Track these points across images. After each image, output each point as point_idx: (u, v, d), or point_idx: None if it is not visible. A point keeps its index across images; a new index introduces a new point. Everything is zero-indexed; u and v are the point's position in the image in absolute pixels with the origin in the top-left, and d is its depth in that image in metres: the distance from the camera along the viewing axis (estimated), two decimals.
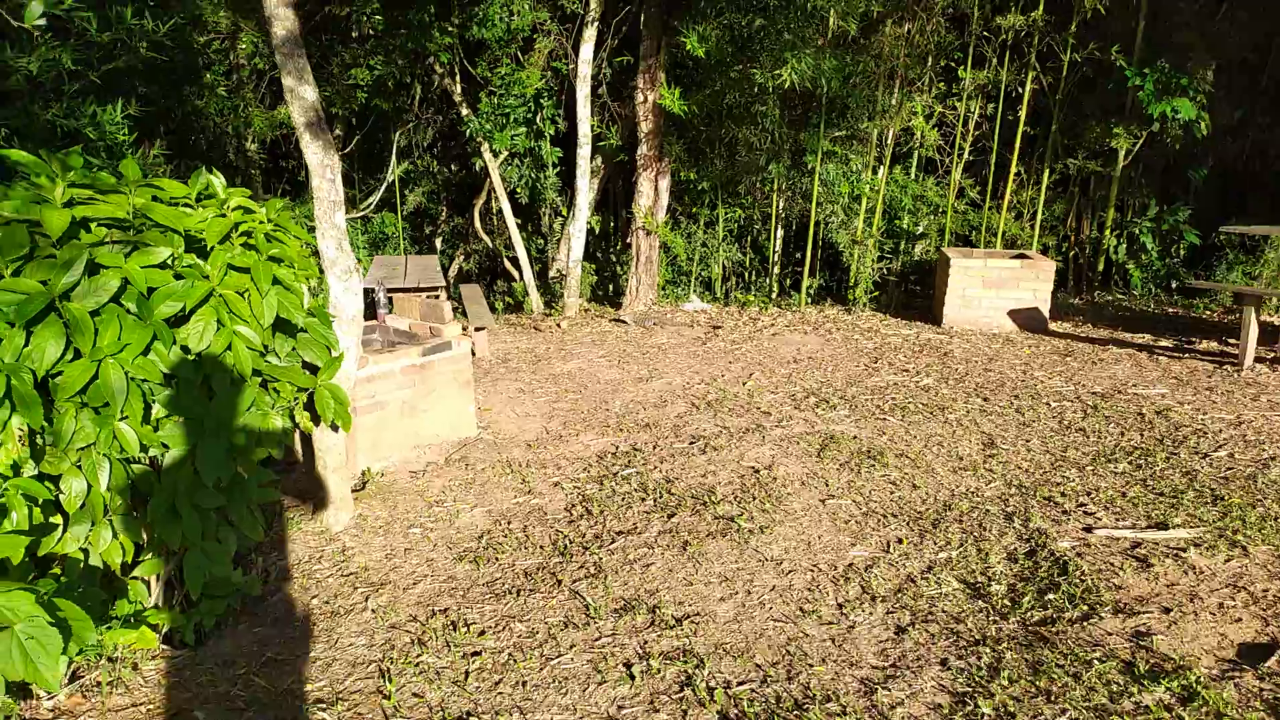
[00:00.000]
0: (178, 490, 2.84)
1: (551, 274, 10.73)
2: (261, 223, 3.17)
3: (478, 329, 7.62)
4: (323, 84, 9.65)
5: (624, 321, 8.60)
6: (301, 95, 3.53)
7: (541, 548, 3.77)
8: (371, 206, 11.36)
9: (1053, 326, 7.72)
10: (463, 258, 12.77)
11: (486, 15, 8.22)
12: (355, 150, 11.58)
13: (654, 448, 4.97)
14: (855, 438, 4.96)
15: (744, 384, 6.30)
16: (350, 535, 3.93)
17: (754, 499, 4.13)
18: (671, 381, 6.45)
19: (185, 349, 2.78)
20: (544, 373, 6.94)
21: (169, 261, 2.79)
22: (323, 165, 3.60)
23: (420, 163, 11.78)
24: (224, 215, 2.97)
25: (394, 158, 10.99)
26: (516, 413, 5.83)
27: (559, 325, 8.82)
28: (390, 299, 5.42)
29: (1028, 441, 4.84)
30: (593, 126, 8.96)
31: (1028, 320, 7.55)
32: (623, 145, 9.70)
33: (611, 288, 11.14)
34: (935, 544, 3.60)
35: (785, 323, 8.30)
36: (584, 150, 8.81)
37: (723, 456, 4.74)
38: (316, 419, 3.50)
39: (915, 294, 9.10)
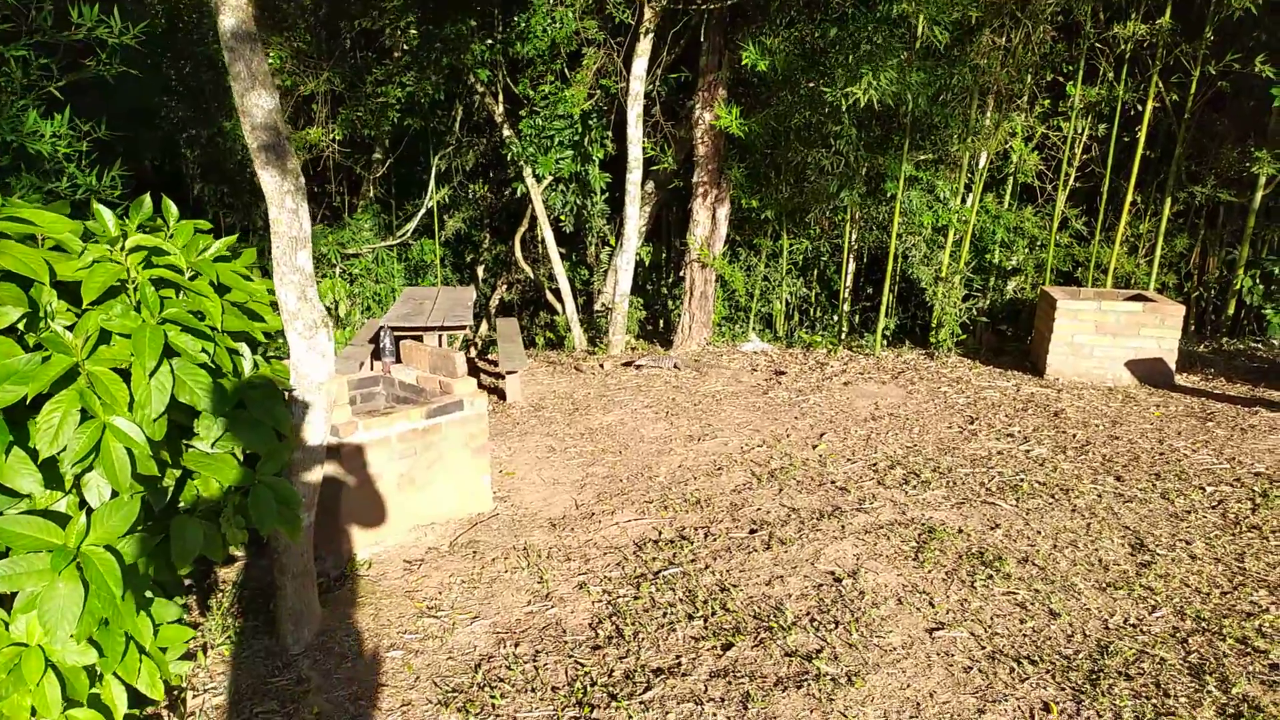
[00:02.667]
0: (29, 645, 2.01)
1: (597, 307, 9.88)
2: (180, 270, 2.34)
3: (508, 373, 6.78)
4: (355, 104, 9.01)
5: (660, 366, 7.68)
6: (255, 104, 2.72)
7: (555, 690, 2.85)
8: (408, 234, 10.67)
9: (1179, 380, 6.58)
10: (505, 287, 12.02)
11: (528, 28, 7.45)
12: (391, 174, 10.94)
13: (705, 536, 4.02)
14: (961, 531, 3.94)
15: (814, 447, 5.32)
16: (311, 659, 3.06)
17: (836, 624, 3.15)
18: (728, 442, 5.50)
19: (34, 452, 1.94)
20: (580, 425, 6.04)
21: (21, 326, 1.98)
22: (281, 193, 2.77)
23: (463, 188, 11.08)
24: (113, 259, 2.15)
25: (433, 182, 10.30)
26: (543, 478, 4.94)
27: (601, 366, 7.95)
28: (397, 346, 4.59)
29: (1189, 544, 3.76)
30: (645, 149, 8.12)
31: (1149, 373, 6.43)
32: (678, 170, 8.84)
33: (662, 323, 10.26)
34: (1100, 717, 2.57)
35: (858, 369, 7.29)
36: (634, 175, 7.97)
37: (792, 554, 3.76)
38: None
39: (1007, 338, 8.01)
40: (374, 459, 3.87)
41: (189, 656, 3.04)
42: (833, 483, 4.68)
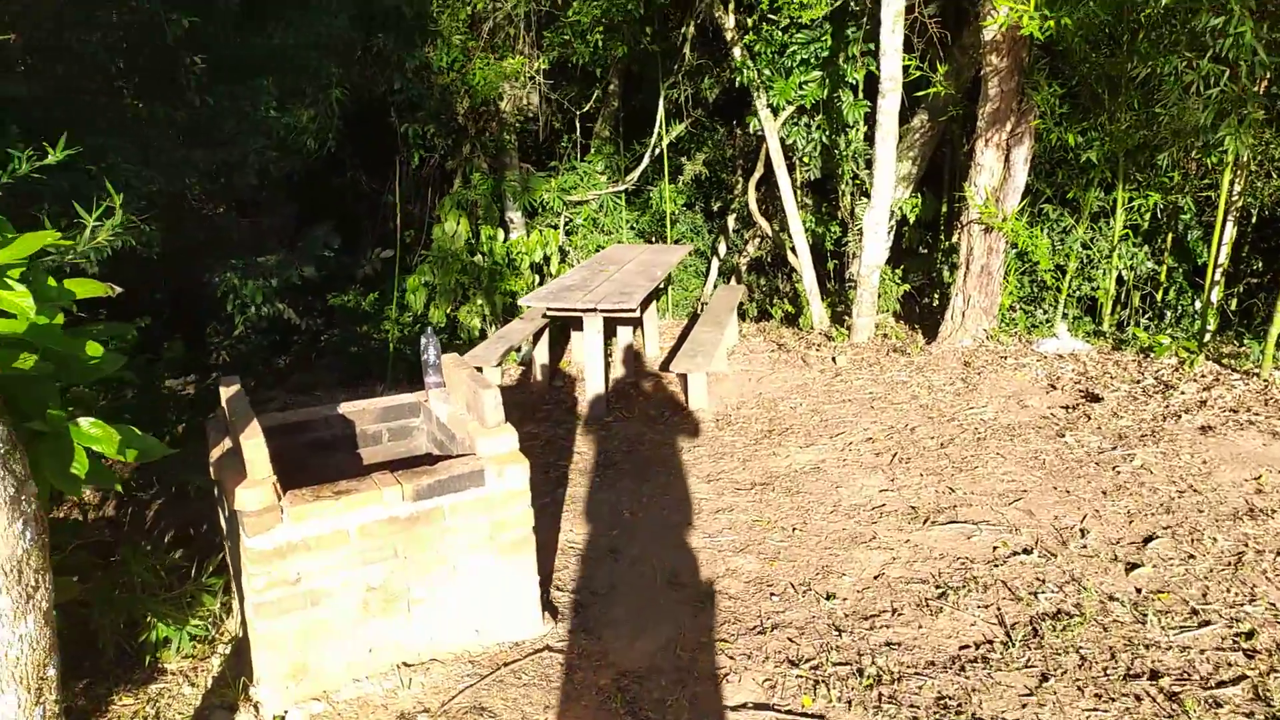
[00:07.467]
0: None
1: (849, 273, 7.78)
2: None
3: (688, 372, 5.08)
4: (558, 29, 7.58)
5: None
6: None
7: None
8: (633, 181, 9.17)
9: None
10: (757, 242, 10.18)
11: None
12: (621, 110, 9.46)
13: None
14: None
15: (1128, 569, 3.05)
16: None
17: None
18: (974, 533, 3.39)
19: None
20: (760, 466, 4.21)
21: None
22: None
23: (700, 124, 9.34)
24: None
25: (660, 117, 8.66)
26: (661, 571, 3.22)
27: (834, 360, 5.95)
28: (439, 363, 3.06)
29: None
30: (907, 64, 5.83)
31: None
32: (959, 94, 6.42)
33: (938, 297, 7.88)
34: None
35: (1229, 401, 4.62)
36: (888, 101, 5.74)
37: None
38: None
39: None
40: (318, 566, 2.39)
41: None
42: (1154, 673, 2.47)
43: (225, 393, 2.69)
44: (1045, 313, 6.39)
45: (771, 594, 3.04)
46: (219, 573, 2.94)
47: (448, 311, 8.37)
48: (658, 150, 8.98)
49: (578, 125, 9.58)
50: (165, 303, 6.92)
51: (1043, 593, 2.93)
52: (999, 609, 2.85)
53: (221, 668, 2.68)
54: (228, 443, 2.61)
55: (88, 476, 1.88)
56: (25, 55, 4.56)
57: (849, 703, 2.42)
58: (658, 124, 8.69)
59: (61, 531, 2.56)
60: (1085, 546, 3.23)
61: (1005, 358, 5.66)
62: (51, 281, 1.93)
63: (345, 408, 3.09)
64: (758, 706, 2.43)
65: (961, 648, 2.66)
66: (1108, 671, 2.49)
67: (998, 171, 5.66)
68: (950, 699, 2.41)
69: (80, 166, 4.02)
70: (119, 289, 2.08)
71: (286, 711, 2.42)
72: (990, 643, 2.67)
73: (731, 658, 2.67)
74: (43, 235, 1.85)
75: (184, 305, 6.86)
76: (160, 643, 2.57)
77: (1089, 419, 4.52)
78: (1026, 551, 3.22)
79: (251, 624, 2.40)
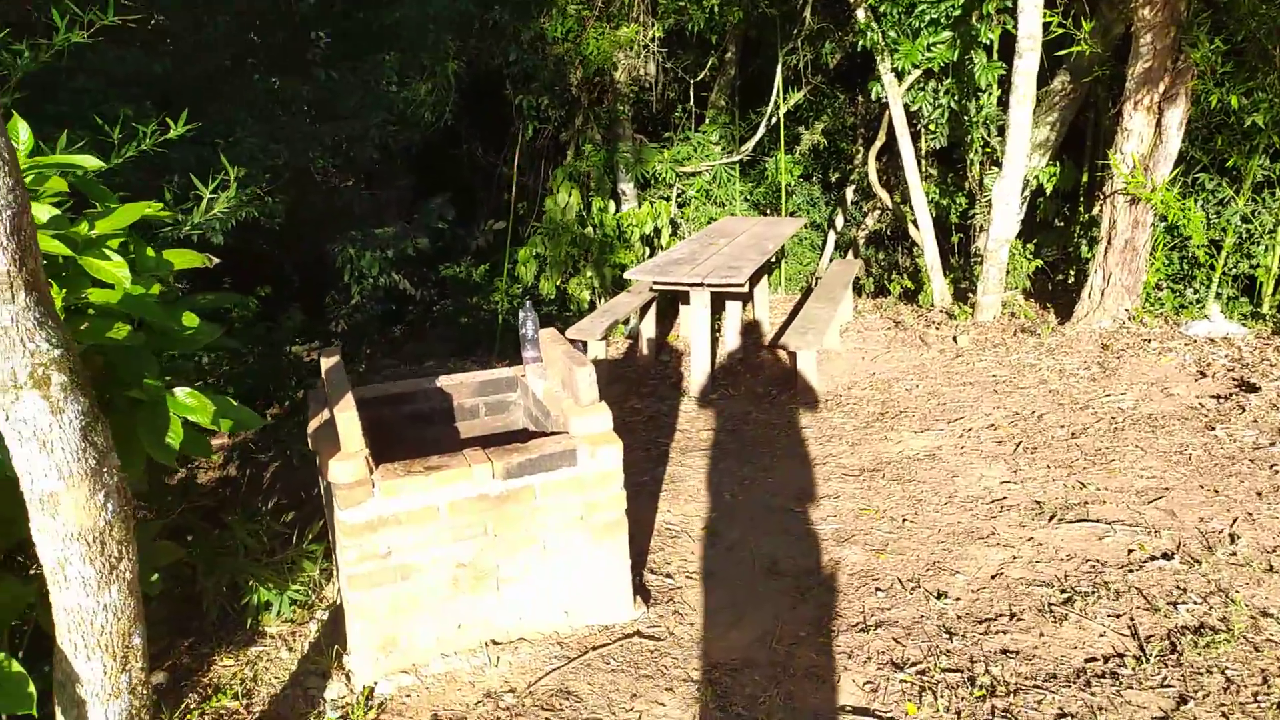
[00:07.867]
0: None
1: (975, 248, 7.34)
2: None
3: (797, 350, 4.88)
4: None
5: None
6: None
7: None
8: (748, 151, 8.91)
9: None
10: (877, 214, 9.77)
11: None
12: (736, 79, 9.18)
13: None
14: None
15: None
16: None
17: None
18: (1107, 532, 3.11)
19: None
20: (870, 450, 4.01)
21: None
22: None
23: (820, 91, 8.98)
24: None
25: (778, 85, 8.36)
26: (759, 557, 3.10)
27: (955, 340, 5.63)
28: (536, 337, 3.00)
29: None
30: (1049, 24, 5.38)
31: None
32: (1106, 53, 5.90)
33: (1074, 274, 7.36)
34: None
35: None
36: (1025, 62, 5.32)
37: None
38: None
39: None
40: (408, 541, 2.38)
41: None
42: None
43: (325, 364, 2.72)
44: (1196, 292, 5.84)
45: (877, 589, 2.87)
46: (320, 539, 3.00)
47: (557, 283, 8.39)
48: (774, 119, 8.69)
49: (692, 94, 9.37)
50: (292, 272, 7.20)
51: (1183, 603, 2.65)
52: (1132, 619, 2.59)
53: (318, 635, 2.73)
54: (326, 414, 2.63)
55: (183, 446, 1.90)
56: (166, 34, 4.75)
57: (958, 714, 2.24)
58: (775, 92, 8.40)
59: (170, 495, 2.65)
60: (1235, 554, 2.91)
61: (1149, 341, 5.21)
62: (150, 252, 1.95)
63: (444, 381, 3.08)
64: (857, 711, 2.29)
65: (1088, 660, 2.43)
66: (1258, 697, 2.22)
67: (1147, 137, 5.17)
68: (1073, 717, 2.20)
69: (208, 141, 4.16)
70: (216, 260, 2.10)
71: (376, 683, 2.43)
72: (1121, 656, 2.43)
73: (831, 655, 2.53)
74: (139, 206, 1.87)
75: (307, 274, 7.11)
76: (261, 606, 2.63)
77: (1243, 410, 4.09)
78: (1166, 556, 2.92)
79: (344, 595, 2.42)
